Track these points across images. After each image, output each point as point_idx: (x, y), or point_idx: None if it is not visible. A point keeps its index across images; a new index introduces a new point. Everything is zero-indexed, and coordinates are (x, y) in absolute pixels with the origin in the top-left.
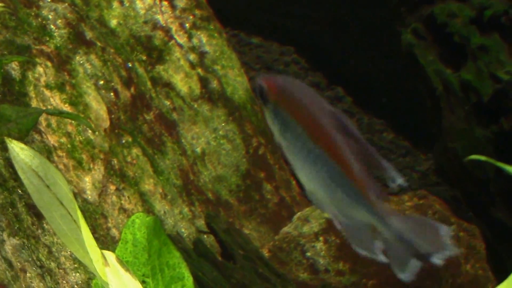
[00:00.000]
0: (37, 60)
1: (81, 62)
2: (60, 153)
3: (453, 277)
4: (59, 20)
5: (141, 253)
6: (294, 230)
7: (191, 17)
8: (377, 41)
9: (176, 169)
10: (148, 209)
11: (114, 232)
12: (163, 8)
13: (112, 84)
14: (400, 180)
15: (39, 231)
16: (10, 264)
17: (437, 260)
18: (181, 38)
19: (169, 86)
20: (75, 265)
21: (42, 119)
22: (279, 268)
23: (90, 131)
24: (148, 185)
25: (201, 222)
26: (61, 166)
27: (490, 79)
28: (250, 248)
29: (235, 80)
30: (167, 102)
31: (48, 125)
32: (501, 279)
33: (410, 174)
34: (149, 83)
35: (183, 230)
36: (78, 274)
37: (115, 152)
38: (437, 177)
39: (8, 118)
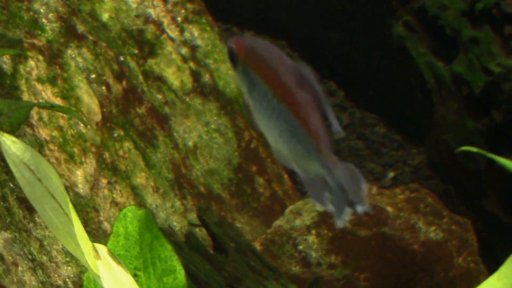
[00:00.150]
0: (29, 53)
1: (73, 55)
2: (51, 146)
3: (445, 270)
4: (51, 14)
5: (132, 246)
6: (286, 224)
7: (183, 11)
8: (369, 35)
9: (168, 162)
10: (140, 203)
11: (106, 225)
12: (154, 2)
13: (104, 77)
14: (337, 129)
15: (31, 224)
16: (1, 258)
17: (361, 210)
18: (173, 32)
19: (161, 79)
20: (67, 259)
21: (33, 112)
22: (271, 261)
23: (82, 124)
24: (140, 178)
25: (193, 216)
26: (52, 160)
27: (481, 71)
28: (242, 241)
29: (227, 74)
30: (159, 96)
31: (40, 119)
32: (493, 271)
33: (403, 168)
34: (141, 77)
35: (175, 223)
36: (70, 267)
37: (107, 146)
38: (429, 171)
39: (0, 112)
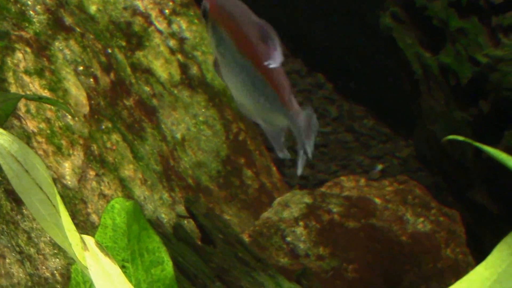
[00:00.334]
0: (16, 45)
1: (61, 48)
2: (39, 138)
3: (433, 262)
4: (38, 6)
5: (120, 238)
6: (274, 215)
7: (170, 3)
8: (359, 27)
9: (156, 155)
10: (128, 195)
11: (94, 217)
12: None
13: (92, 70)
14: (274, 62)
15: (18, 216)
16: None
17: (309, 150)
18: (160, 24)
19: (149, 72)
20: (55, 251)
21: (21, 104)
22: (259, 253)
23: (69, 116)
24: (128, 170)
25: (181, 208)
26: (40, 152)
27: (468, 62)
28: (230, 233)
29: None
30: (147, 88)
31: (27, 111)
32: (480, 262)
33: (391, 161)
34: (128, 69)
35: (163, 215)
36: (57, 259)
37: (94, 138)
38: (418, 163)
39: None
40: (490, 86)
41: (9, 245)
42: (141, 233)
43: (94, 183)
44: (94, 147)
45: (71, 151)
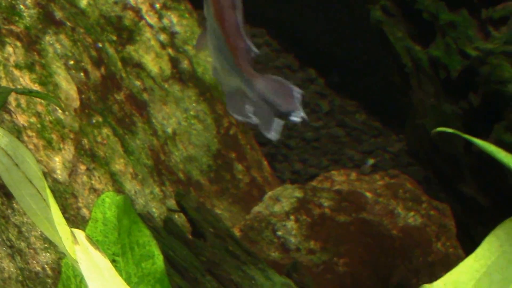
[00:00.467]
0: (6, 40)
1: (51, 42)
2: (30, 133)
3: (424, 255)
4: (29, 0)
5: (111, 232)
6: (265, 210)
7: None
8: (350, 22)
9: (147, 149)
10: (119, 189)
11: (85, 212)
12: None
13: (82, 64)
14: (253, 51)
15: (9, 211)
16: None
17: (295, 118)
18: (151, 19)
19: (139, 66)
20: (45, 245)
21: (11, 99)
22: (250, 247)
23: (60, 111)
24: (118, 165)
25: (172, 202)
26: (31, 146)
27: (458, 55)
28: (221, 227)
29: (206, 61)
30: (138, 83)
31: (18, 105)
32: None
33: (382, 155)
34: (119, 63)
35: (154, 210)
36: (48, 254)
37: (85, 132)
38: (409, 158)
39: None
40: (480, 79)
41: (0, 239)
42: (132, 227)
43: (84, 177)
44: (85, 141)
45: (61, 145)
